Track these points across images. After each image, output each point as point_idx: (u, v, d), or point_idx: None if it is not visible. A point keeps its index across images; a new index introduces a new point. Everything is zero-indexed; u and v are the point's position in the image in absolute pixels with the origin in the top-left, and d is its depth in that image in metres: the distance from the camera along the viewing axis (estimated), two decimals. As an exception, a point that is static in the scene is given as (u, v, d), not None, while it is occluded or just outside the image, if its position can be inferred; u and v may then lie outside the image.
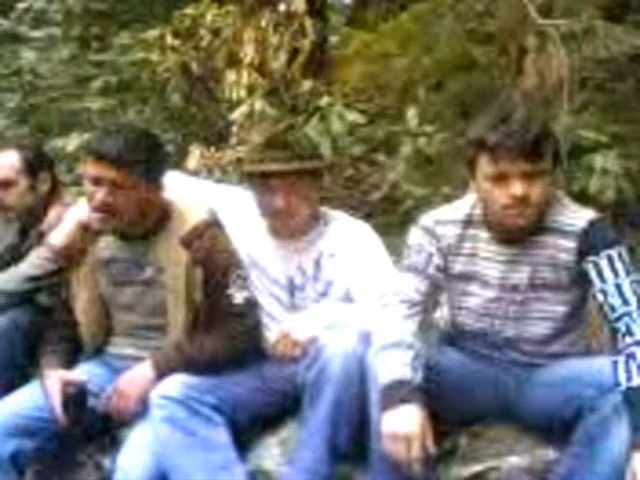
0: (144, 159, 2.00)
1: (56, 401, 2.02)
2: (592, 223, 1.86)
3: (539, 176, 1.81)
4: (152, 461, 1.89)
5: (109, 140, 1.99)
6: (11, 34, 4.78)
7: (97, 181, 1.99)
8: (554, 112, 2.84)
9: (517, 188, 1.78)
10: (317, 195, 2.21)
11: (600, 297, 1.80)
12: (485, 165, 1.82)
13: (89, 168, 2.01)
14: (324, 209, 2.26)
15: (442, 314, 2.08)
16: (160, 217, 2.10)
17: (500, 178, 1.80)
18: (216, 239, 2.10)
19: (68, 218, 2.21)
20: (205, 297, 2.06)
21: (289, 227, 2.19)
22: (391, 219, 3.34)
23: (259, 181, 2.17)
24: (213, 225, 2.13)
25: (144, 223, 2.09)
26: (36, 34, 4.82)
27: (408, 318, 1.88)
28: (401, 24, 3.47)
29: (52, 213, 2.48)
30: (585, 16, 2.90)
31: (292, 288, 2.19)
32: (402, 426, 1.71)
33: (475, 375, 1.97)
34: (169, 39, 4.14)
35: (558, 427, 1.88)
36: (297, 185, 2.13)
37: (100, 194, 1.98)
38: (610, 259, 1.82)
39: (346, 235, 2.19)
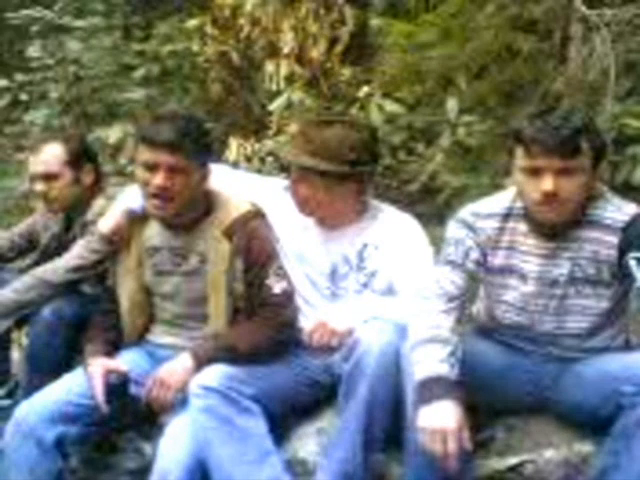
0: (196, 143, 2.02)
1: (98, 389, 2.06)
2: (635, 218, 1.83)
3: (574, 173, 1.78)
4: (191, 450, 1.92)
5: (162, 126, 2.00)
6: (56, 25, 4.86)
7: (153, 167, 1.99)
8: (599, 100, 2.78)
9: (548, 184, 1.76)
10: (358, 191, 2.15)
11: None
12: (520, 157, 1.81)
13: (144, 155, 2.01)
14: (372, 201, 2.24)
15: (479, 306, 2.07)
16: (205, 208, 2.12)
17: (533, 172, 1.79)
18: (257, 230, 2.11)
19: (117, 205, 2.23)
20: (245, 287, 2.08)
21: (321, 219, 2.19)
22: (430, 209, 3.32)
23: (290, 170, 2.20)
24: (255, 216, 2.14)
25: (192, 211, 2.10)
26: (79, 23, 4.89)
27: (445, 312, 1.87)
28: (441, 14, 3.43)
29: (96, 205, 2.50)
30: (634, 6, 2.82)
31: (334, 277, 2.19)
32: (438, 422, 1.71)
33: (511, 368, 1.96)
34: (209, 28, 4.17)
35: (595, 421, 1.87)
36: (317, 181, 2.11)
37: (158, 179, 1.98)
38: None
39: (392, 228, 2.17)
